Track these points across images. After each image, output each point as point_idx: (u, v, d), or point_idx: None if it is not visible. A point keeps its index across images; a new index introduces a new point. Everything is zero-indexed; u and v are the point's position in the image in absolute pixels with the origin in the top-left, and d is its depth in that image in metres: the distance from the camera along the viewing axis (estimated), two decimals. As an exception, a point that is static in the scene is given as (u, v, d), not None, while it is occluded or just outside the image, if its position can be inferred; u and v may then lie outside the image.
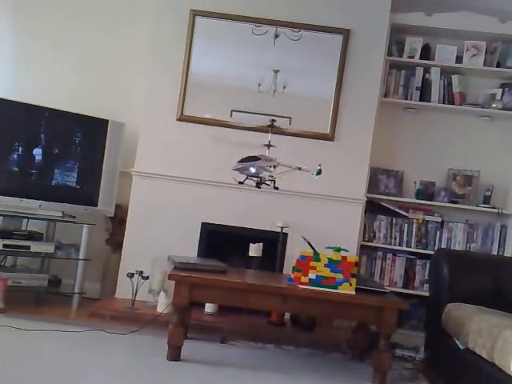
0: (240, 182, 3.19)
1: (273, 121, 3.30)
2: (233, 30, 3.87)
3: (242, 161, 3.11)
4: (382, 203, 4.12)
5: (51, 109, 3.70)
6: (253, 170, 3.09)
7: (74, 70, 4.24)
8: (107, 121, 3.86)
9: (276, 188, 3.22)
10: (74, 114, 3.76)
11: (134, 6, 4.22)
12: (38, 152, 3.70)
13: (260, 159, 3.10)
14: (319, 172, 3.18)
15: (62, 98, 3.92)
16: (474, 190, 4.08)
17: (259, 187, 3.22)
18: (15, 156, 3.64)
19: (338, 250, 2.91)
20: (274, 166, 3.16)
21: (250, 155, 3.13)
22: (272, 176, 3.16)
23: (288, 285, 2.88)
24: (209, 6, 3.85)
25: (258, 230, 3.84)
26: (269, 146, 3.26)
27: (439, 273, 3.25)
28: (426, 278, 3.99)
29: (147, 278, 3.63)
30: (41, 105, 3.68)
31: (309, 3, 3.85)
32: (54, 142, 3.75)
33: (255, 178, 3.16)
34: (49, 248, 3.67)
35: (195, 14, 3.85)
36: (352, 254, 3.08)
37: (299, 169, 3.20)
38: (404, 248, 4.07)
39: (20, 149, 3.65)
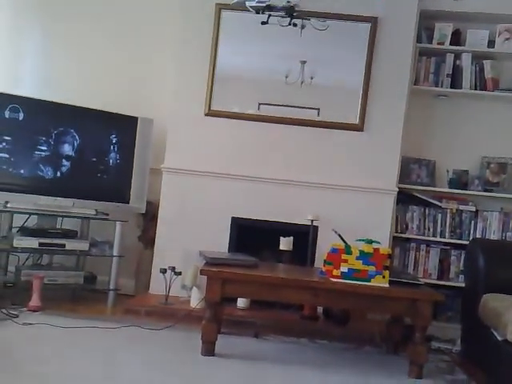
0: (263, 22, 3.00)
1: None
2: (258, 22, 3.83)
3: None
4: (415, 193, 4.05)
5: (82, 107, 3.75)
6: None
7: (102, 69, 4.28)
8: (137, 118, 3.89)
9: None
10: (105, 111, 3.80)
11: (160, 5, 4.23)
12: (69, 150, 3.76)
13: None
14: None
15: (91, 97, 3.96)
16: (509, 177, 3.97)
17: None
18: (48, 155, 3.70)
19: (370, 242, 2.88)
20: None
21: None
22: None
23: (320, 278, 2.87)
24: None
25: (288, 224, 3.83)
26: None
27: (475, 263, 3.19)
28: (462, 268, 3.91)
29: (180, 273, 3.66)
30: (71, 104, 3.73)
31: (335, -9, 3.80)
32: (86, 141, 3.79)
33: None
34: (83, 245, 3.73)
35: (221, 7, 3.84)
36: (384, 246, 3.05)
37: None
38: (438, 239, 3.99)
39: (52, 148, 3.71)
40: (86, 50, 4.30)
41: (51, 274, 3.65)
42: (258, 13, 2.92)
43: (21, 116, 3.60)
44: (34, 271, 3.57)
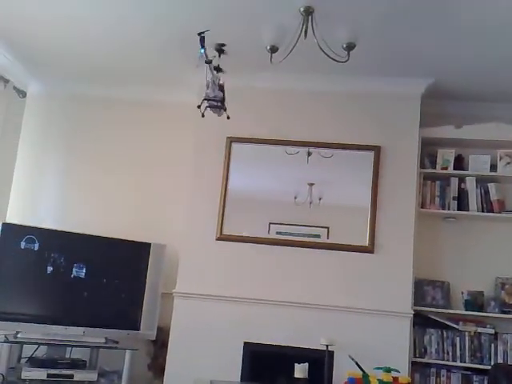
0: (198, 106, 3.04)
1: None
2: (267, 152, 4.05)
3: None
4: (431, 316, 3.97)
5: (95, 236, 3.84)
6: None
7: (116, 198, 4.46)
8: (149, 244, 3.96)
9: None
10: (118, 239, 3.89)
11: (174, 135, 4.48)
12: (82, 279, 3.79)
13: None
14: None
15: (106, 225, 4.10)
16: (525, 299, 3.93)
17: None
18: (60, 284, 3.72)
19: (389, 370, 2.80)
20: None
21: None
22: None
23: (339, 412, 2.74)
24: (243, 133, 4.06)
25: (303, 349, 3.74)
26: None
27: (500, 393, 3.05)
28: (486, 396, 3.73)
29: (191, 405, 3.51)
30: (85, 233, 3.83)
31: (338, 124, 4.02)
32: (99, 269, 3.84)
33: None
34: (92, 376, 3.64)
35: (232, 140, 4.07)
36: (403, 375, 2.95)
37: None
38: (458, 363, 3.85)
39: (65, 277, 3.74)
40: (100, 180, 4.51)
41: (59, 407, 3.52)
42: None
43: (36, 246, 3.68)
44: (42, 404, 3.45)
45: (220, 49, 3.10)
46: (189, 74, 4.05)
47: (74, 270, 3.77)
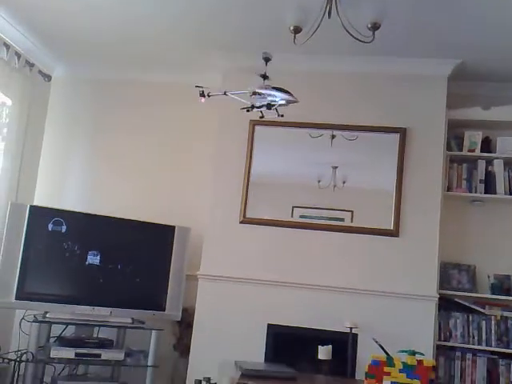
0: (248, 110, 3.21)
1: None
2: (290, 134, 4.02)
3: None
4: (456, 299, 3.94)
5: (122, 219, 3.89)
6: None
7: (143, 182, 4.51)
8: (174, 227, 4.00)
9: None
10: (144, 222, 3.93)
11: (200, 121, 4.48)
12: (109, 260, 3.85)
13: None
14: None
15: (132, 208, 4.16)
16: (554, 282, 3.86)
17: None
18: (88, 265, 3.80)
19: (413, 353, 2.77)
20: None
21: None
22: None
23: (362, 394, 2.75)
24: (267, 115, 4.04)
25: (327, 331, 3.75)
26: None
27: (526, 378, 3.02)
28: (512, 380, 3.71)
29: (215, 385, 3.57)
30: (112, 215, 3.89)
31: (362, 107, 3.97)
32: (125, 251, 3.90)
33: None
34: (119, 355, 3.70)
35: (255, 123, 4.05)
36: (428, 358, 2.93)
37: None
38: (484, 347, 3.82)
39: (92, 258, 3.81)
40: (126, 164, 4.56)
41: (87, 386, 3.61)
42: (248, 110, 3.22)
43: (63, 229, 3.75)
44: (70, 382, 3.54)
45: (266, 57, 3.18)
46: (212, 57, 4.07)
47: (99, 253, 3.83)
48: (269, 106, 3.11)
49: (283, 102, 3.09)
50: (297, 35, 2.64)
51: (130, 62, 4.46)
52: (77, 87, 4.71)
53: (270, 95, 3.09)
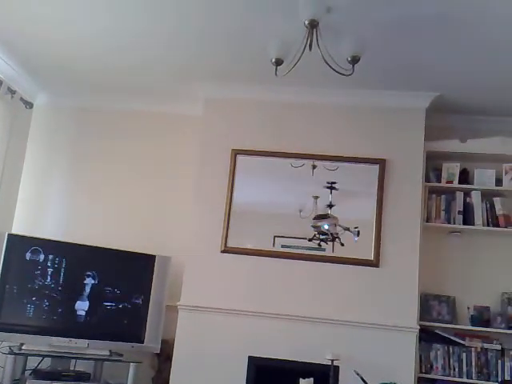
0: (310, 240, 3.60)
1: (332, 183, 3.67)
2: (272, 164, 4.05)
3: (316, 218, 3.64)
4: (437, 331, 3.94)
5: (101, 248, 3.85)
6: (326, 226, 3.53)
7: (122, 210, 4.47)
8: (154, 256, 3.96)
9: (342, 244, 3.65)
10: (123, 251, 3.89)
11: (180, 150, 4.49)
12: (86, 290, 3.79)
13: (330, 217, 3.54)
14: (358, 233, 3.50)
15: (112, 237, 4.09)
16: (532, 314, 3.88)
17: (331, 241, 3.65)
18: (65, 296, 3.73)
19: (394, 385, 2.76)
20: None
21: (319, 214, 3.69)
22: (337, 233, 3.58)
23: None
24: (248, 145, 4.08)
25: (308, 364, 3.70)
26: (330, 206, 3.70)
27: (506, 410, 3.01)
28: (493, 413, 3.68)
29: (194, 419, 3.48)
30: (90, 244, 3.83)
31: (343, 137, 4.02)
32: (103, 281, 3.84)
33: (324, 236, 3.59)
34: (96, 389, 3.62)
35: (236, 152, 4.08)
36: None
37: (347, 229, 3.61)
38: (465, 380, 3.80)
39: (69, 288, 3.75)
40: (107, 193, 4.52)
41: (62, 421, 3.50)
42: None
43: (41, 257, 3.69)
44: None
45: (331, 186, 3.76)
46: (194, 87, 4.11)
47: (78, 282, 3.78)
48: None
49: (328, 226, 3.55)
50: (278, 67, 2.68)
51: (112, 91, 4.48)
52: (59, 115, 4.70)
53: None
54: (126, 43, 3.60)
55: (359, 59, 2.67)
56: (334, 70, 2.67)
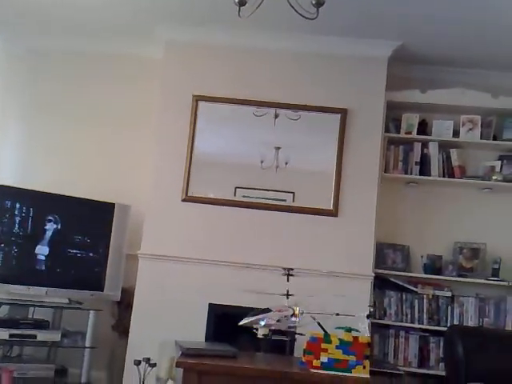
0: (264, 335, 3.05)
1: (289, 269, 3.22)
2: (234, 112, 3.99)
3: (254, 314, 3.06)
4: (391, 278, 4.07)
5: (59, 195, 3.76)
6: (262, 322, 3.01)
7: (82, 159, 4.37)
8: (114, 204, 3.90)
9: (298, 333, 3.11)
10: (81, 198, 3.81)
11: (139, 97, 4.37)
12: (44, 238, 3.73)
13: (271, 311, 3.02)
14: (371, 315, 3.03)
15: (71, 186, 3.98)
16: (482, 262, 4.05)
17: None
18: (22, 243, 3.66)
19: (349, 330, 2.85)
20: (294, 315, 3.05)
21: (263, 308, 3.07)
22: (294, 323, 3.02)
23: (300, 369, 2.80)
24: (211, 91, 3.99)
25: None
26: (287, 295, 3.17)
27: (454, 352, 3.17)
28: (441, 356, 3.86)
29: (154, 365, 3.53)
30: (49, 191, 3.75)
31: (306, 86, 3.98)
32: (61, 228, 3.78)
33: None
34: (55, 336, 3.61)
35: (198, 99, 3.99)
36: (363, 335, 3.01)
37: (337, 314, 3.02)
38: (416, 325, 3.97)
39: (27, 236, 3.68)
40: (64, 138, 4.39)
41: (22, 367, 3.51)
42: None
43: (-2, 203, 3.59)
44: (4, 364, 3.43)
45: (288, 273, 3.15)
46: (156, 29, 3.96)
47: (36, 229, 3.70)
48: None
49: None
50: (242, 8, 2.60)
51: (70, 32, 4.25)
52: (11, 60, 4.46)
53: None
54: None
55: (324, 3, 2.60)
56: (298, 12, 2.59)
